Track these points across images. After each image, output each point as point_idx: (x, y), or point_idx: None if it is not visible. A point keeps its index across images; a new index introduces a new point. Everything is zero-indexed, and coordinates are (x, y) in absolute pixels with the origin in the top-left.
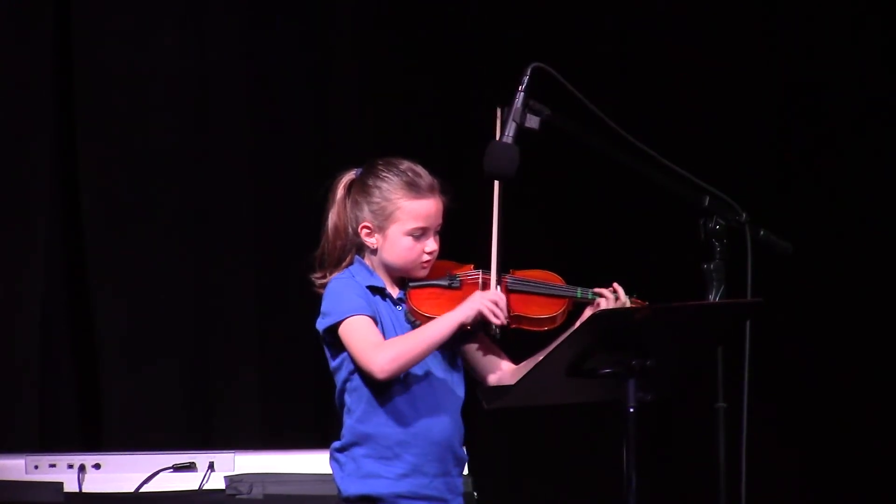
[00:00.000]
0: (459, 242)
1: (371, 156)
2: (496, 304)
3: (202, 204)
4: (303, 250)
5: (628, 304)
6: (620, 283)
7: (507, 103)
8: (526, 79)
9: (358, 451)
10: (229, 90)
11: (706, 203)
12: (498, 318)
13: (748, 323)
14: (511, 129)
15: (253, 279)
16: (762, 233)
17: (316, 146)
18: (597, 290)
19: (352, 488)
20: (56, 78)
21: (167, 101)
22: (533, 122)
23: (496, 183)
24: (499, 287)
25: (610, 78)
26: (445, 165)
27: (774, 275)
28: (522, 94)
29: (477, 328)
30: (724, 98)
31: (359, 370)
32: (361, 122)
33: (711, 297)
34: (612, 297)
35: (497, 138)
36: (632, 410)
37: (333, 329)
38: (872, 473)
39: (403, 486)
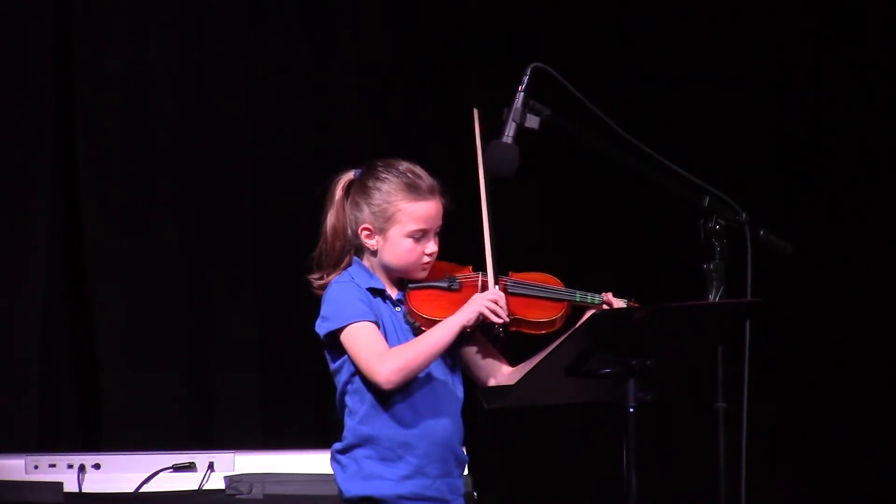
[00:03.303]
0: (458, 244)
1: (371, 156)
2: (496, 303)
3: (202, 204)
4: (303, 250)
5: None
6: (620, 284)
7: (507, 103)
8: (526, 79)
9: (360, 453)
10: (229, 89)
11: (706, 203)
12: (499, 316)
13: (748, 323)
14: (511, 129)
15: (253, 279)
16: (762, 233)
17: (316, 145)
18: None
19: (354, 489)
20: (56, 78)
21: (167, 100)
22: (533, 122)
23: (482, 182)
24: (497, 286)
25: (610, 78)
26: (447, 167)
27: (774, 275)
28: (522, 94)
29: (478, 330)
30: (724, 98)
31: (362, 377)
32: (361, 121)
33: (711, 297)
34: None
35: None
36: (632, 410)
37: (335, 334)
38: (872, 473)
39: (406, 488)
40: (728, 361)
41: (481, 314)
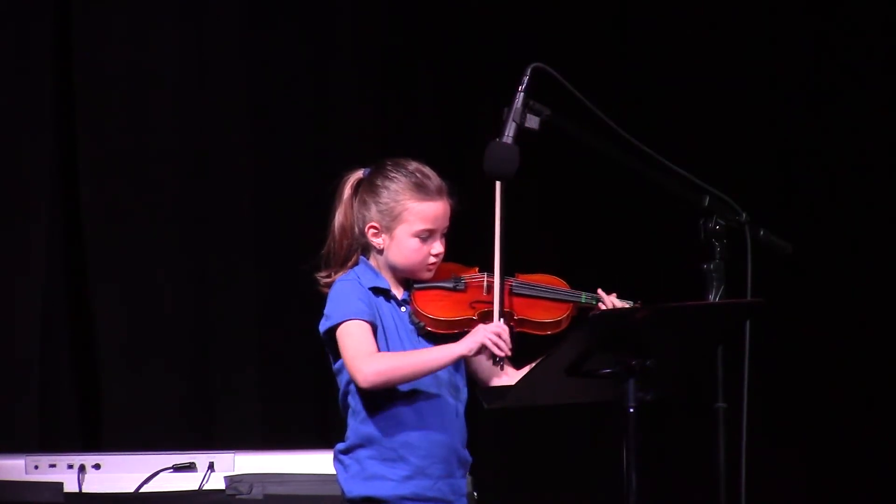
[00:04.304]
0: (464, 245)
1: (372, 156)
2: (499, 336)
3: (202, 203)
4: (303, 249)
5: None
6: (621, 284)
7: (507, 103)
8: (526, 79)
9: (362, 453)
10: (229, 90)
11: (706, 203)
12: (502, 350)
13: (748, 323)
14: (511, 129)
15: (253, 279)
16: (762, 233)
17: (316, 146)
18: (597, 292)
19: (356, 490)
20: (56, 78)
21: (167, 100)
22: (533, 122)
23: (498, 186)
24: (502, 319)
25: (610, 78)
26: (448, 167)
27: (774, 275)
28: (522, 94)
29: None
30: (724, 98)
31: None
32: (362, 122)
33: (711, 297)
34: (609, 303)
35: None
36: (632, 410)
37: (332, 331)
38: (872, 473)
39: (407, 489)
40: (728, 361)
41: (483, 346)
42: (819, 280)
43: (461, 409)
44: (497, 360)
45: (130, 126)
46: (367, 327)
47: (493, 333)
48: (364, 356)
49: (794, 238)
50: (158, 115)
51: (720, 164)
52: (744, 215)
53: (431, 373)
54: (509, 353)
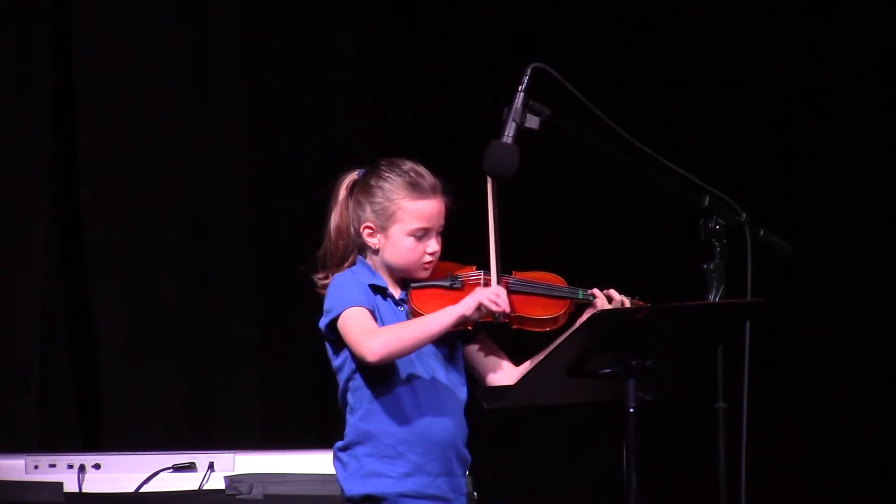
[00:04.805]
0: (461, 244)
1: (371, 156)
2: (497, 295)
3: (202, 203)
4: (303, 250)
5: (627, 305)
6: (621, 284)
7: (507, 103)
8: (526, 79)
9: (360, 450)
10: (229, 89)
11: (706, 203)
12: (499, 306)
13: (748, 323)
14: (511, 129)
15: (253, 279)
16: (762, 233)
17: (316, 145)
18: (591, 291)
19: (355, 488)
20: (56, 78)
21: (167, 100)
22: (533, 122)
23: (489, 181)
24: (499, 284)
25: (610, 78)
26: (447, 167)
27: (774, 275)
28: (522, 94)
29: (479, 326)
30: (724, 98)
31: (355, 360)
32: (362, 122)
33: (711, 297)
34: (604, 299)
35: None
36: (632, 410)
37: (334, 325)
38: (872, 473)
39: (406, 486)
40: (728, 361)
41: (482, 304)
42: (819, 280)
43: (461, 407)
44: (495, 319)
45: (130, 126)
46: (367, 311)
47: (491, 293)
48: (367, 333)
49: (794, 238)
50: (158, 115)
51: (720, 164)
52: (744, 215)
53: (436, 337)
54: (507, 310)
